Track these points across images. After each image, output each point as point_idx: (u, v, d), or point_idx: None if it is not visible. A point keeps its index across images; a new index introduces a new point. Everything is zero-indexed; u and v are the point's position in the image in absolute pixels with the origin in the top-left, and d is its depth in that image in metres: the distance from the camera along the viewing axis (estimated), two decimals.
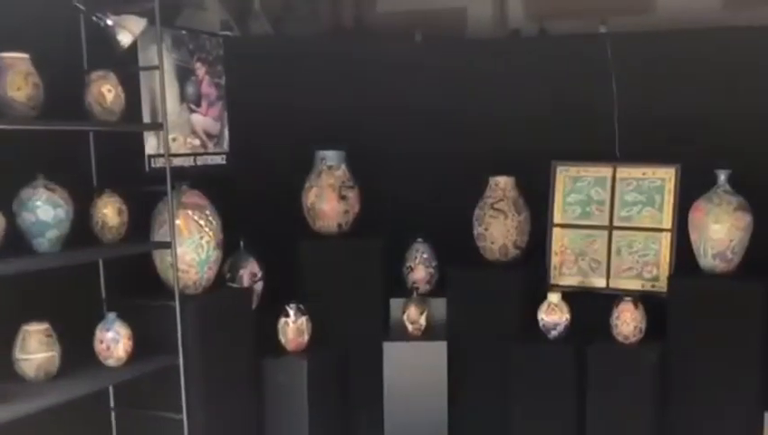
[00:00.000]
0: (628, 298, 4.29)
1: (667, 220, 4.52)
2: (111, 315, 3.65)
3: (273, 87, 4.78)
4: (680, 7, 4.91)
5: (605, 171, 4.66)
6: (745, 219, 4.23)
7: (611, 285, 4.62)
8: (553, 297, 4.43)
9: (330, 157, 4.82)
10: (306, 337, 4.50)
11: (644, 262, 4.56)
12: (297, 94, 4.83)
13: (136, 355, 3.67)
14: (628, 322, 4.27)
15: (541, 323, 4.44)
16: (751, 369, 4.14)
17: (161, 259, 3.92)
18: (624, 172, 4.63)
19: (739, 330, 4.16)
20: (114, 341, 3.62)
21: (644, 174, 4.58)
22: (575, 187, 4.73)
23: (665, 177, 4.53)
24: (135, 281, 3.89)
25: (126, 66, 3.79)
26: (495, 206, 4.73)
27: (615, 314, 4.30)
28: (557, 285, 4.68)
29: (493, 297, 4.66)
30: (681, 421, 4.26)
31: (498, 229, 4.71)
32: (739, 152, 4.31)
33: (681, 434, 4.28)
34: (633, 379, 4.21)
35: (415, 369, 4.69)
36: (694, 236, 4.34)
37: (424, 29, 5.40)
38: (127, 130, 3.97)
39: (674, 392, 4.27)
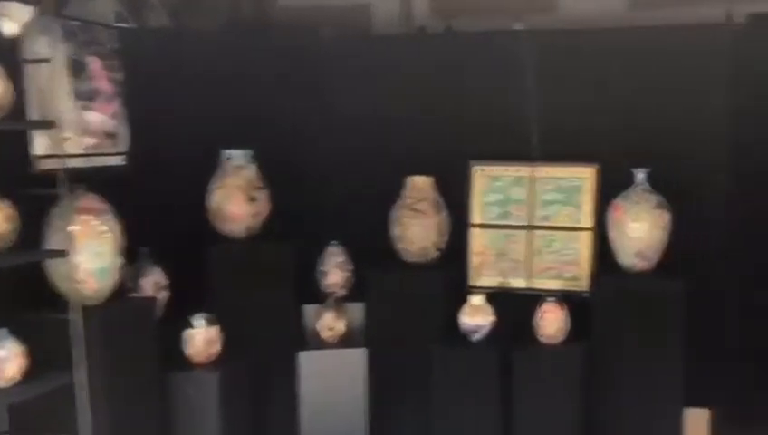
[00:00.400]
0: (552, 298, 4.22)
1: (586, 220, 4.46)
2: (2, 331, 3.33)
3: (174, 83, 4.48)
4: (584, 6, 4.89)
5: (523, 171, 4.58)
6: (664, 218, 4.22)
7: (531, 285, 4.54)
8: (476, 299, 4.31)
9: (236, 156, 4.57)
10: (216, 348, 4.23)
11: (564, 261, 4.50)
12: (200, 90, 4.55)
13: (31, 374, 3.36)
14: (552, 322, 4.20)
15: (463, 327, 4.31)
16: (673, 365, 4.12)
17: (56, 269, 3.58)
18: (542, 172, 4.56)
19: (660, 327, 4.15)
20: (5, 359, 3.28)
21: (563, 174, 4.52)
22: (493, 187, 4.63)
23: (583, 176, 4.48)
24: (28, 293, 3.56)
25: (10, 59, 3.43)
26: (414, 206, 4.58)
27: (539, 315, 4.22)
28: (476, 287, 4.56)
29: (413, 300, 4.52)
30: (606, 419, 4.23)
31: (417, 230, 4.56)
32: (656, 151, 4.29)
33: (606, 432, 4.20)
34: (559, 379, 4.15)
35: (332, 378, 4.50)
36: (613, 235, 4.31)
37: (327, 24, 5.20)
38: (16, 127, 3.59)
39: (599, 391, 4.21)
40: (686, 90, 4.31)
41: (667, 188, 4.22)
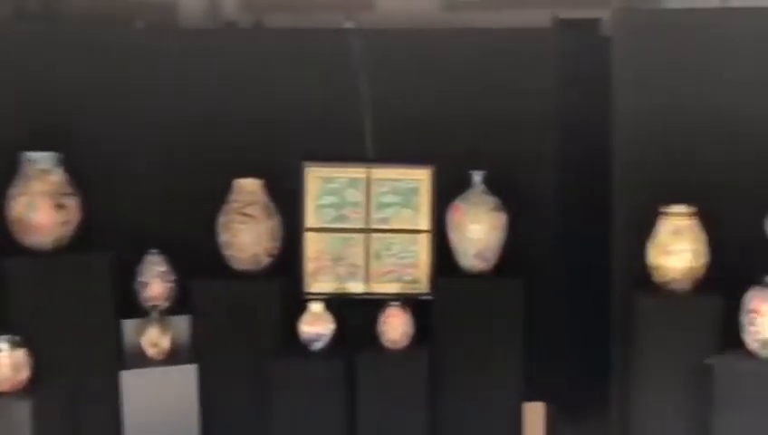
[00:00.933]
0: (396, 302, 4.12)
1: (424, 222, 4.41)
2: None
3: None
4: (401, 5, 4.90)
5: (359, 173, 4.45)
6: (502, 219, 4.27)
7: (370, 289, 4.41)
8: (315, 307, 4.12)
9: (40, 159, 4.07)
10: (25, 374, 3.75)
11: (403, 265, 4.42)
12: None
13: None
14: (395, 327, 4.11)
15: (303, 336, 4.10)
16: (513, 363, 4.16)
17: None
18: (378, 173, 4.45)
19: (501, 326, 4.17)
20: None
21: (398, 175, 4.44)
22: (328, 189, 4.46)
23: (419, 178, 4.43)
24: None
25: None
26: (243, 211, 4.31)
27: (382, 320, 4.11)
28: (312, 294, 4.36)
29: (244, 311, 4.24)
30: (450, 419, 4.17)
31: (247, 236, 4.29)
32: (492, 153, 4.34)
33: (450, 432, 4.17)
34: (404, 384, 4.06)
35: (160, 398, 4.12)
36: (453, 237, 4.30)
37: (134, 18, 4.81)
38: None
39: (443, 392, 4.16)
40: (516, 91, 4.38)
41: (503, 190, 4.26)
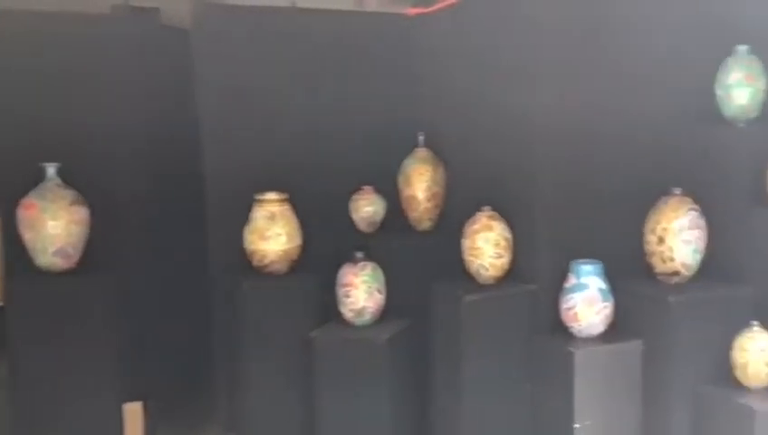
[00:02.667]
0: None
1: None
2: None
3: None
4: None
5: None
6: (82, 213, 4.00)
7: None
8: None
9: None
10: None
11: None
12: None
13: None
14: None
15: None
16: (108, 364, 3.92)
17: None
18: None
19: (92, 326, 3.89)
20: None
21: None
22: None
23: None
24: None
25: None
26: None
27: None
28: None
29: None
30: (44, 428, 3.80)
31: None
32: (66, 146, 4.04)
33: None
34: None
35: None
36: (29, 235, 3.91)
37: None
38: None
39: (31, 402, 3.76)
40: (92, 83, 4.16)
41: (80, 184, 4.00)
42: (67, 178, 3.96)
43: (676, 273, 3.44)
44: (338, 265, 3.75)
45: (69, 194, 3.95)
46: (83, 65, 4.14)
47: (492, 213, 3.61)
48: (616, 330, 3.41)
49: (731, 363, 3.26)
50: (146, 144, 4.21)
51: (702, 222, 3.42)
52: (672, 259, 3.42)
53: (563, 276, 3.43)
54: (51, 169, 3.94)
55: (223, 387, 4.12)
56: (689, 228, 3.40)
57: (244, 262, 3.92)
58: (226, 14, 4.26)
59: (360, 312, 3.68)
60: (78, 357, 3.87)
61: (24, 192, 3.89)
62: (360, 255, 3.71)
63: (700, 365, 3.36)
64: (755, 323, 3.24)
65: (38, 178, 3.92)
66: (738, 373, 3.25)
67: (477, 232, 3.58)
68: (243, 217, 3.92)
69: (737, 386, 3.25)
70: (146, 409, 4.10)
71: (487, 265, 3.58)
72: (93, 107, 4.13)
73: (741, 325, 3.26)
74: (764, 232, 3.40)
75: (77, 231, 3.96)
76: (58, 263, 3.94)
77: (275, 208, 3.88)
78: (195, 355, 4.43)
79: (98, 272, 3.99)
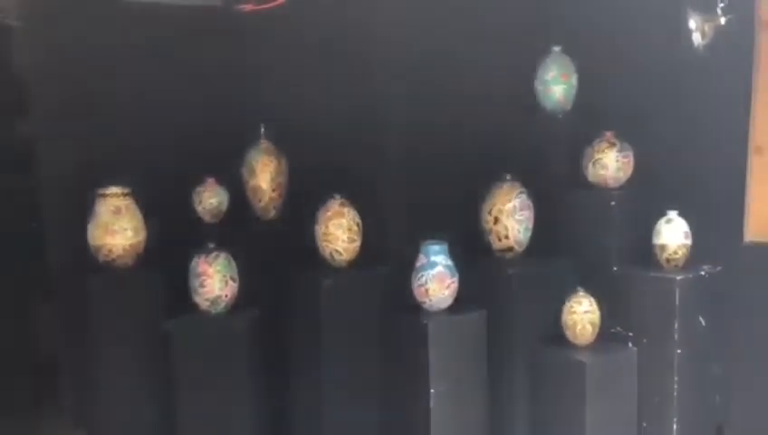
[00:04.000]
0: None
1: None
2: None
3: None
4: None
5: None
6: None
7: None
8: None
9: None
10: None
11: None
12: None
13: None
14: None
15: None
16: None
17: None
18: None
19: None
20: None
21: None
22: None
23: None
24: None
25: None
26: None
27: None
28: None
29: None
30: None
31: None
32: None
33: None
34: None
35: None
36: None
37: None
38: None
39: None
40: None
41: None
42: None
43: (510, 249, 3.86)
44: (185, 257, 3.77)
45: None
46: None
47: (343, 200, 3.81)
48: (462, 302, 3.75)
49: (562, 325, 3.72)
50: None
51: (530, 203, 3.86)
52: (507, 237, 3.83)
53: (411, 257, 3.71)
54: None
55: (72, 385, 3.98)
56: (520, 209, 3.83)
57: (87, 258, 3.81)
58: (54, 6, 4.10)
59: (215, 301, 3.72)
60: None
61: None
62: (212, 245, 3.75)
63: (536, 328, 3.81)
64: (580, 289, 3.72)
65: None
66: (569, 333, 3.71)
67: (330, 219, 3.78)
68: (82, 212, 3.83)
69: (569, 344, 3.72)
70: None
71: (341, 250, 3.78)
72: None
73: (568, 292, 3.73)
74: (582, 210, 3.92)
75: None
76: None
77: (120, 203, 3.82)
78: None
79: None
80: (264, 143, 4.20)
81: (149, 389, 3.80)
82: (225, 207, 4.17)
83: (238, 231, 4.07)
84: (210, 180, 4.14)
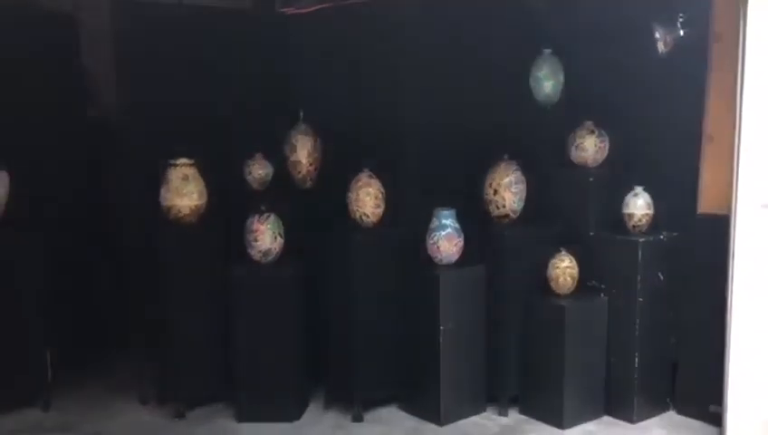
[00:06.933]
0: None
1: None
2: None
3: None
4: None
5: None
6: (5, 177, 4.54)
7: None
8: None
9: None
10: None
11: None
12: None
13: None
14: None
15: None
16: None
17: None
18: None
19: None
20: None
21: None
22: None
23: None
24: None
25: None
26: None
27: None
28: None
29: None
30: None
31: None
32: None
33: None
34: None
35: None
36: None
37: None
38: None
39: None
40: None
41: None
42: None
43: (506, 216, 4.66)
44: (240, 217, 4.58)
45: None
46: None
47: (370, 173, 4.63)
48: (467, 258, 4.57)
49: (547, 277, 4.52)
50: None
51: (523, 178, 4.65)
52: (504, 206, 4.63)
53: (426, 221, 4.53)
54: None
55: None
56: (515, 183, 4.62)
57: (159, 216, 4.63)
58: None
59: (266, 253, 4.55)
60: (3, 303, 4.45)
61: None
62: (263, 207, 4.57)
63: (526, 280, 4.59)
64: (563, 248, 4.52)
65: None
66: (552, 284, 4.52)
67: (361, 187, 4.59)
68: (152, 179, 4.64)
69: (552, 293, 4.52)
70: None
71: (369, 214, 4.60)
72: None
73: (553, 251, 4.53)
74: (566, 185, 4.71)
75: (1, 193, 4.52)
76: None
77: (187, 171, 4.63)
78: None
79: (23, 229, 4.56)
80: (303, 125, 5.01)
81: (211, 323, 4.63)
82: (270, 177, 4.98)
83: (281, 197, 4.87)
84: (259, 155, 4.95)
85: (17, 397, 4.64)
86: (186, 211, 4.59)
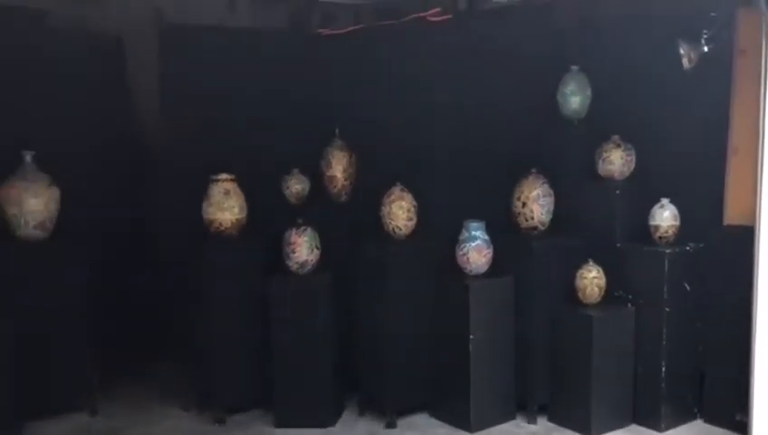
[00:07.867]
0: None
1: None
2: None
3: None
4: None
5: None
6: (56, 193, 4.79)
7: None
8: None
9: None
10: None
11: None
12: None
13: None
14: None
15: None
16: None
17: None
18: None
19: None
20: None
21: None
22: None
23: None
24: None
25: None
26: None
27: None
28: None
29: None
30: None
31: None
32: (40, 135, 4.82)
33: None
34: None
35: None
36: (13, 211, 4.63)
37: None
38: None
39: None
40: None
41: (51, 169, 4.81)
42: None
43: (535, 228, 4.80)
44: (277, 230, 4.78)
45: (46, 177, 4.78)
46: None
47: (403, 187, 4.80)
48: (495, 269, 4.71)
49: (575, 288, 4.64)
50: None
51: (551, 191, 4.79)
52: (532, 218, 4.77)
53: (456, 233, 4.68)
54: (28, 157, 4.73)
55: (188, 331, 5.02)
56: (543, 196, 4.76)
57: (197, 230, 4.84)
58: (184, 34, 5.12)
59: (303, 264, 4.73)
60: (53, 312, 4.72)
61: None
62: (300, 220, 4.76)
63: (554, 290, 4.71)
64: (590, 259, 4.64)
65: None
66: (580, 295, 4.64)
67: (393, 201, 4.76)
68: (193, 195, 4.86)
69: (580, 303, 4.64)
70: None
71: (401, 226, 4.77)
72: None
73: (580, 262, 4.65)
74: (593, 198, 4.82)
75: (54, 208, 4.78)
76: (38, 234, 4.73)
77: (228, 186, 4.84)
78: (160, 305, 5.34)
79: (71, 242, 4.82)
80: (339, 141, 5.20)
81: (250, 332, 4.82)
82: (306, 192, 5.17)
83: (317, 211, 5.05)
84: (296, 170, 5.15)
85: (66, 402, 4.87)
86: (227, 224, 4.80)
